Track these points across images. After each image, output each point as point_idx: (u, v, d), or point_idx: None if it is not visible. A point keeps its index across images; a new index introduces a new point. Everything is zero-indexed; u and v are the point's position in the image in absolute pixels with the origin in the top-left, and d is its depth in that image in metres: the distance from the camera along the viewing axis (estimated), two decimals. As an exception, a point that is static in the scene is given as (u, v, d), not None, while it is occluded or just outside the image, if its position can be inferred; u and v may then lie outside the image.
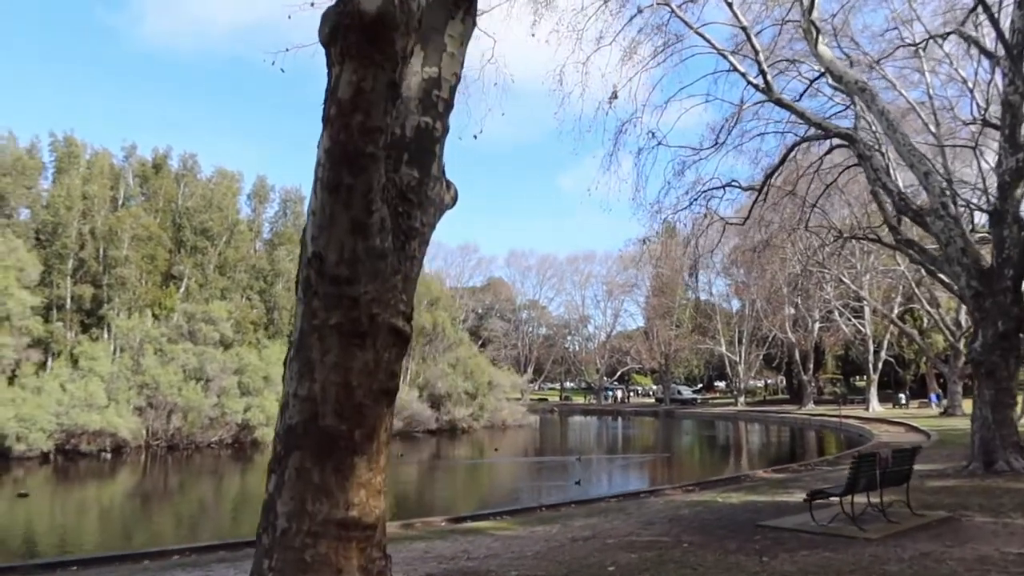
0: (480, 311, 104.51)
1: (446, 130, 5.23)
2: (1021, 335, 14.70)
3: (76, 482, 27.33)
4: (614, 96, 16.38)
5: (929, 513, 10.02)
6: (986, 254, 15.24)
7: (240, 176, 47.33)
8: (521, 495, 21.74)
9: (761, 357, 71.14)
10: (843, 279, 44.18)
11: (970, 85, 24.72)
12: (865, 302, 48.45)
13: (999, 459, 14.24)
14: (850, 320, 52.73)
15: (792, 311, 59.95)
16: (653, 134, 17.90)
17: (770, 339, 65.30)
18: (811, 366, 62.92)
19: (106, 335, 35.98)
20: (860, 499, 9.52)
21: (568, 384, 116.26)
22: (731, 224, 21.09)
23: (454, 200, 5.58)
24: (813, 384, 67.55)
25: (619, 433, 56.81)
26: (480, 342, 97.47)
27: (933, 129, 26.29)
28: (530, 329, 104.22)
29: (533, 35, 16.44)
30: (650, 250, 21.42)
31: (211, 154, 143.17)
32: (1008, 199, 14.37)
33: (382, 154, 4.47)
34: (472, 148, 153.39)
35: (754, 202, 19.67)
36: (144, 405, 32.89)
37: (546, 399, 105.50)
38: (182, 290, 39.90)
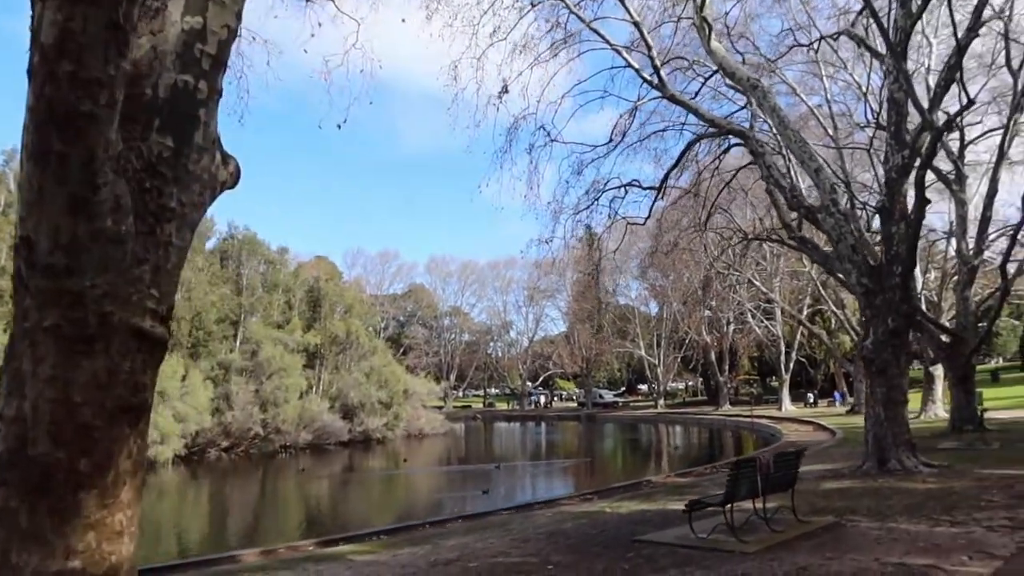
0: (402, 318, 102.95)
1: (215, 92, 4.36)
2: (913, 332, 14.66)
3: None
4: (504, 90, 15.77)
5: (816, 519, 9.61)
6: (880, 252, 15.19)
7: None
8: (421, 509, 20.81)
9: (679, 359, 72.03)
10: (754, 281, 44.86)
11: (864, 90, 25.25)
12: (775, 304, 49.38)
13: (891, 458, 14.13)
14: (762, 322, 53.74)
15: (708, 313, 60.83)
16: (546, 130, 17.34)
17: (687, 342, 66.20)
18: (727, 367, 63.93)
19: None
20: (747, 506, 9.08)
21: (493, 390, 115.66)
22: (632, 224, 20.72)
23: (235, 178, 4.70)
24: (730, 385, 68.77)
25: (541, 439, 56.49)
26: (401, 350, 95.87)
27: (831, 133, 26.75)
28: (453, 336, 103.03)
29: (403, 20, 15.60)
30: (556, 253, 20.89)
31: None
32: (895, 195, 14.33)
33: (106, 114, 3.57)
34: (392, 156, 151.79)
35: (654, 201, 19.37)
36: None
37: (470, 406, 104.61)
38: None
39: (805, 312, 49.27)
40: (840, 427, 31.76)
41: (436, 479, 30.97)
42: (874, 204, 25.12)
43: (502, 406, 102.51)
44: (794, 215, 17.44)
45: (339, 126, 10.68)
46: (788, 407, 52.39)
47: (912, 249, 14.22)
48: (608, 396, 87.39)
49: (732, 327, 61.27)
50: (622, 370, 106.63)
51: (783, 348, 53.10)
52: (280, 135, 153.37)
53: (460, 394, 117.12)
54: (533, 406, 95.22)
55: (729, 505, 8.27)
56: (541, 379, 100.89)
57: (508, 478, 27.78)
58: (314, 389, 48.98)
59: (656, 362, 72.63)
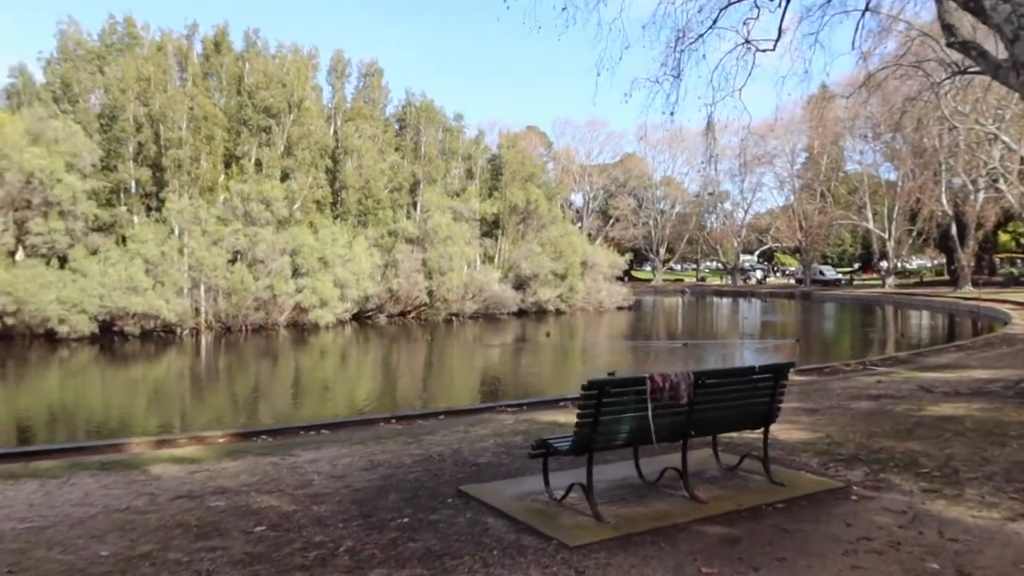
0: (613, 189, 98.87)
1: None
2: None
3: (120, 362, 27.09)
4: None
5: (811, 479, 5.86)
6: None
7: (316, 52, 45.12)
8: (524, 388, 18.68)
9: (913, 233, 62.02)
10: (1000, 136, 35.72)
11: None
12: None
13: (1069, 373, 9.27)
14: (1018, 187, 43.64)
15: (950, 177, 51.01)
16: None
17: (925, 213, 56.21)
18: (971, 242, 53.64)
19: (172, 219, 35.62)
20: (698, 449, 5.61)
21: (710, 264, 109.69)
22: (761, 51, 15.74)
23: None
24: (976, 263, 58.17)
25: (744, 316, 51.69)
26: (610, 221, 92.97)
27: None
28: (666, 206, 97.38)
29: None
30: (669, 94, 16.59)
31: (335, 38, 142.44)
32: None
33: None
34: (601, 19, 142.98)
35: (783, 16, 14.36)
36: (191, 287, 32.47)
37: (681, 279, 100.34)
38: (251, 170, 38.72)
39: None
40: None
41: (589, 354, 28.76)
42: None
43: (715, 281, 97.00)
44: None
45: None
46: (1044, 291, 43.00)
47: None
48: (830, 273, 78.73)
49: (982, 194, 50.75)
50: (855, 245, 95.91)
51: (1043, 220, 43.02)
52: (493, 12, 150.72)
53: (679, 267, 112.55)
54: (745, 281, 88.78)
55: (587, 454, 4.89)
56: (757, 253, 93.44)
57: (681, 357, 24.91)
58: (495, 259, 48.22)
59: (886, 236, 63.17)
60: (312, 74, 44.59)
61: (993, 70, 10.26)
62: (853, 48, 17.06)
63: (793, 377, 14.86)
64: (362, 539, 4.57)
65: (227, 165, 38.95)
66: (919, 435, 7.53)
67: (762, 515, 4.95)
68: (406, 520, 4.94)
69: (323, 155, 41.38)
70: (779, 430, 8.12)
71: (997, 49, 11.95)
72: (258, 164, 38.58)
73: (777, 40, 15.15)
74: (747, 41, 15.69)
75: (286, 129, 40.03)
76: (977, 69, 17.79)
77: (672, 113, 14.81)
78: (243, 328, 33.81)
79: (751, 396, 5.53)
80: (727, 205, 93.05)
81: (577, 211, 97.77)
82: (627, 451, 5.94)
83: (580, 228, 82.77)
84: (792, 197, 77.50)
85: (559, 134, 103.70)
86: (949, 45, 10.98)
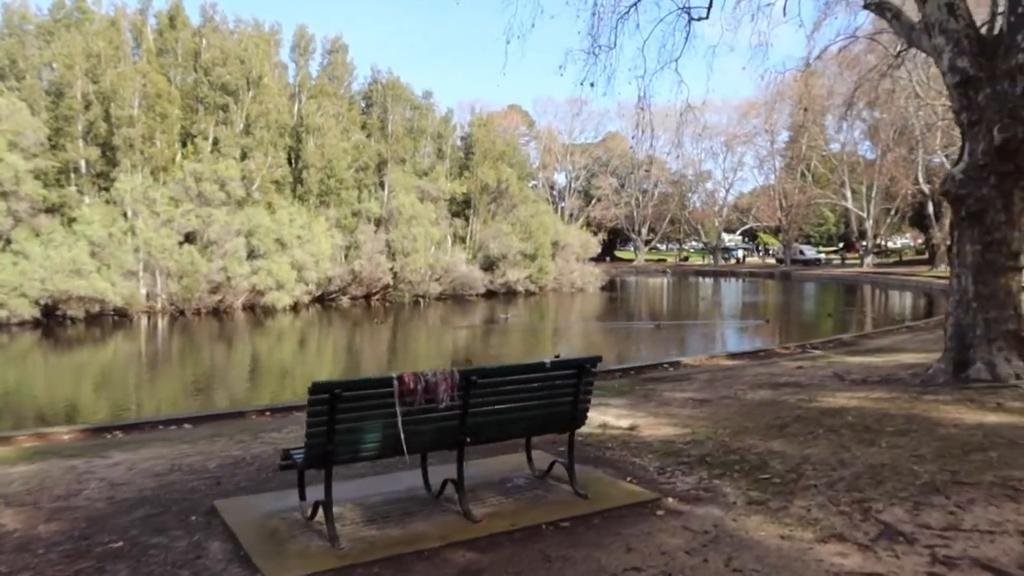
0: (596, 168, 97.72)
1: None
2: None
3: (61, 348, 26.29)
4: None
5: (622, 489, 5.17)
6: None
7: (278, 28, 44.02)
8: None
9: (892, 212, 61.45)
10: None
11: None
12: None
13: (976, 359, 8.60)
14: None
15: (928, 157, 50.35)
16: None
17: (899, 191, 55.61)
18: (946, 220, 52.98)
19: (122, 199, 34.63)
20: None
21: (694, 244, 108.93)
22: (696, 20, 14.91)
23: None
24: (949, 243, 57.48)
25: (723, 296, 51.10)
26: (592, 201, 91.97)
27: None
28: (649, 186, 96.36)
29: None
30: (608, 65, 15.68)
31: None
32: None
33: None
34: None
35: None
36: (143, 269, 31.61)
37: (664, 260, 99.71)
38: (209, 150, 37.67)
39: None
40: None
41: (554, 335, 28.15)
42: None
43: (698, 260, 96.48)
44: None
45: None
46: None
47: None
48: (810, 252, 78.25)
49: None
50: (838, 225, 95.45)
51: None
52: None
53: (664, 247, 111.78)
54: (732, 261, 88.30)
55: (325, 469, 4.18)
56: (739, 232, 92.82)
57: (655, 339, 24.37)
58: (467, 240, 47.45)
59: (864, 215, 62.54)
60: (275, 51, 43.52)
61: (907, 33, 9.52)
62: (785, 15, 16.21)
63: (721, 362, 14.21)
64: (43, 571, 3.86)
65: (183, 144, 37.91)
66: (791, 431, 6.85)
67: (535, 537, 4.25)
68: (120, 544, 4.23)
69: (283, 134, 40.34)
70: (648, 425, 7.48)
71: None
72: (216, 143, 37.54)
73: (709, 8, 14.36)
74: (683, 9, 14.89)
75: (244, 107, 38.97)
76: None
77: (592, 84, 14.02)
78: (198, 311, 32.99)
79: (546, 396, 4.80)
80: (709, 184, 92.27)
81: (559, 191, 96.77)
82: (438, 455, 5.25)
83: (562, 208, 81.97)
84: (773, 176, 76.83)
85: (541, 113, 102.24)
86: (866, 7, 10.23)
